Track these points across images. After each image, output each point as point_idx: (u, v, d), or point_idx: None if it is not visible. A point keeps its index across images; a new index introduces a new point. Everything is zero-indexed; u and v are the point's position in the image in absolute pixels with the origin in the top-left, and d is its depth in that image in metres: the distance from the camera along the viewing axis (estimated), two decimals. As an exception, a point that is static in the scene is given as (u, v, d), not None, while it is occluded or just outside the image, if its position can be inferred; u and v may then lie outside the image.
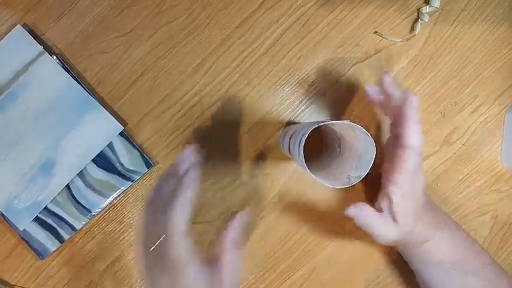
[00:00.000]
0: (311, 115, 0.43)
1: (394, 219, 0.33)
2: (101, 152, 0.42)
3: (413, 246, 0.36)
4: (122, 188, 0.42)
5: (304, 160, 0.28)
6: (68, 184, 0.42)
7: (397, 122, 0.33)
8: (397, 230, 0.34)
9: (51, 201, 0.42)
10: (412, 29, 0.43)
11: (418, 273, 0.38)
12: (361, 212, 0.33)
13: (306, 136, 0.28)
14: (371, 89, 0.36)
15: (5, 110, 0.41)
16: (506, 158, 0.43)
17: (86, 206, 0.42)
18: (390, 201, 0.33)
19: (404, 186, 0.32)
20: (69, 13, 0.42)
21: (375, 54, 0.43)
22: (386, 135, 0.42)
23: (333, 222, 0.43)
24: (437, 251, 0.36)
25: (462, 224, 0.43)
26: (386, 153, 0.37)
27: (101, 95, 0.43)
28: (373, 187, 0.43)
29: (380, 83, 0.36)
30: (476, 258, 0.37)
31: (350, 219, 0.45)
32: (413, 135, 0.31)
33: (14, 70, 0.41)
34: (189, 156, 0.33)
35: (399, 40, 0.42)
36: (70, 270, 0.43)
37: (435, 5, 0.41)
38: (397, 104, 0.33)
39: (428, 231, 0.35)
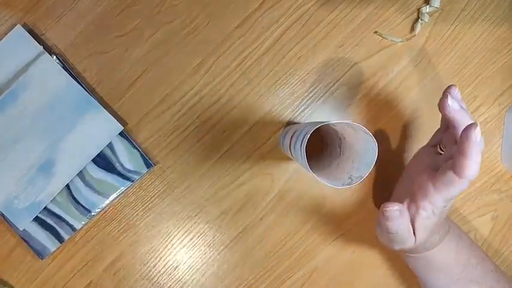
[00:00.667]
0: (311, 115, 0.43)
1: (413, 230, 0.32)
2: (101, 152, 0.42)
3: (416, 252, 0.36)
4: (122, 188, 0.42)
5: (306, 160, 0.28)
6: (67, 184, 0.42)
7: (456, 149, 0.29)
8: (412, 240, 0.33)
9: (51, 201, 0.42)
10: (412, 29, 0.43)
11: (421, 280, 0.38)
12: (402, 217, 0.32)
13: (309, 136, 0.28)
14: (454, 104, 0.30)
15: (5, 110, 0.41)
16: (506, 158, 0.43)
17: (86, 206, 0.42)
18: (417, 214, 0.32)
19: (438, 204, 0.31)
20: (69, 13, 0.42)
21: (375, 54, 0.43)
22: (413, 141, 0.42)
23: (333, 222, 0.43)
24: (440, 257, 0.35)
25: (462, 224, 0.43)
26: (419, 163, 0.36)
27: (101, 95, 0.42)
28: (374, 187, 0.43)
29: (450, 96, 0.31)
30: (479, 265, 0.36)
31: (352, 218, 0.44)
32: (472, 167, 0.28)
33: (13, 70, 0.41)
34: None
35: (399, 40, 0.42)
36: (70, 270, 0.43)
37: (435, 5, 0.41)
38: (459, 125, 0.30)
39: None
